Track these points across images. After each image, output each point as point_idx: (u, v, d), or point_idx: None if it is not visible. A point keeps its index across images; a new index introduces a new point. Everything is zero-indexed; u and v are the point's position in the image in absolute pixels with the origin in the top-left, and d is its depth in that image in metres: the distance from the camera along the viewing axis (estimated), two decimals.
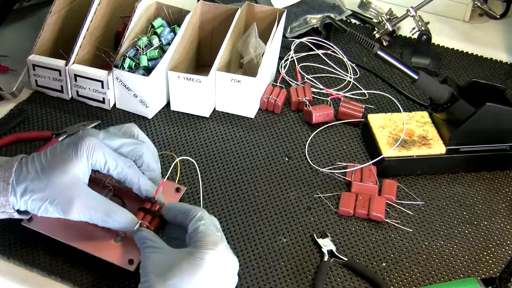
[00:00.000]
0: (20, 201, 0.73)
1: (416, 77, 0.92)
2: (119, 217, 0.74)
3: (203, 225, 0.71)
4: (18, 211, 0.75)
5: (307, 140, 1.01)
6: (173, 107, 1.05)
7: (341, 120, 1.04)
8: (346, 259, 0.82)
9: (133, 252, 0.76)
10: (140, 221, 0.76)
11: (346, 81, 1.13)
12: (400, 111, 1.01)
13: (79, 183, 0.73)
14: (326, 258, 0.82)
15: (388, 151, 0.93)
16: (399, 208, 0.90)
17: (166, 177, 0.83)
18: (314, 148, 1.00)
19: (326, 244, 0.84)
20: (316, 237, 0.85)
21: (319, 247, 0.84)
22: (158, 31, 1.05)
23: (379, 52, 0.92)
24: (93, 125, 1.00)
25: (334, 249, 0.84)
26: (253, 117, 1.05)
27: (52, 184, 0.72)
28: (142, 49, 1.01)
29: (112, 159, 0.74)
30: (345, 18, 1.28)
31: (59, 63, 1.02)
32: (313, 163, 0.97)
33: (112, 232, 0.78)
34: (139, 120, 1.03)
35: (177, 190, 0.87)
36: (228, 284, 0.71)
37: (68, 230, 0.79)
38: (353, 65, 1.16)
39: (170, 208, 0.77)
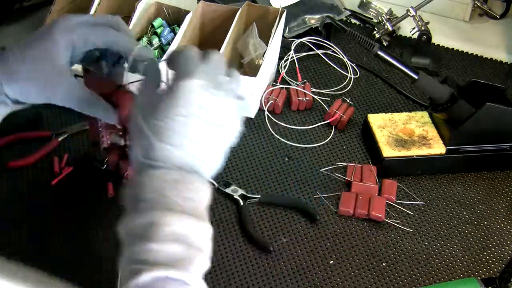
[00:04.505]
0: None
1: (416, 77, 0.92)
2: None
3: None
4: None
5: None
6: None
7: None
8: (259, 196, 0.82)
9: None
10: None
11: (346, 81, 1.13)
12: (400, 111, 1.01)
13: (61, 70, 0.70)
14: (242, 203, 0.81)
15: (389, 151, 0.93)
16: (399, 208, 0.90)
17: None
18: (314, 148, 1.00)
19: (235, 191, 0.83)
20: (221, 188, 0.83)
21: (228, 196, 0.82)
22: (158, 31, 1.05)
23: (379, 52, 0.92)
24: None
25: (244, 192, 0.82)
26: (253, 117, 1.05)
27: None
28: None
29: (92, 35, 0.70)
30: (345, 18, 1.28)
31: None
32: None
33: None
34: None
35: None
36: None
37: None
38: (353, 65, 1.16)
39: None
